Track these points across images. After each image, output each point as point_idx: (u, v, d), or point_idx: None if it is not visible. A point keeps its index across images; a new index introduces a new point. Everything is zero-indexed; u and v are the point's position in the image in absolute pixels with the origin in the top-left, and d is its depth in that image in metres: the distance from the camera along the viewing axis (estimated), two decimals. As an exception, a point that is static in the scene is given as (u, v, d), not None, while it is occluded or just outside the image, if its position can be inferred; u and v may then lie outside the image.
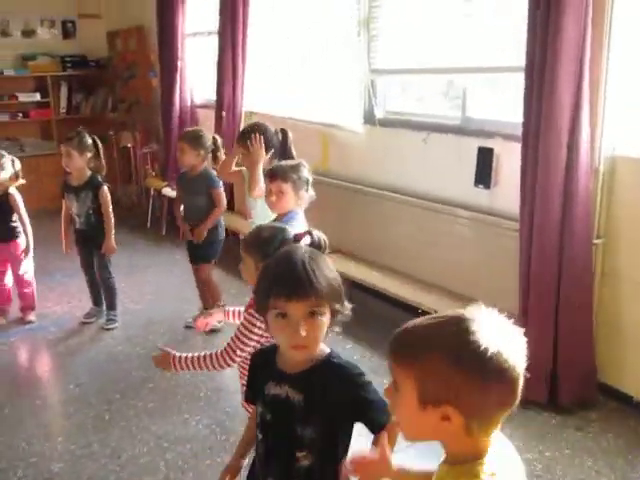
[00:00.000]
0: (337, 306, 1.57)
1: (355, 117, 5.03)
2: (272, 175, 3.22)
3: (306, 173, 3.23)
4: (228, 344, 2.28)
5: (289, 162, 3.34)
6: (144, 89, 7.86)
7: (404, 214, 4.62)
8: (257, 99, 6.15)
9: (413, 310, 4.20)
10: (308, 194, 3.26)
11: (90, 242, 4.67)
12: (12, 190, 4.71)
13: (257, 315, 2.09)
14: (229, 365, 2.30)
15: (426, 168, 4.52)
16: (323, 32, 5.26)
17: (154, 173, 7.68)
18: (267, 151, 3.83)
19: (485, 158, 4.05)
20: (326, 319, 1.56)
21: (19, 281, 4.89)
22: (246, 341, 2.24)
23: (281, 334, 1.55)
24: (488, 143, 4.04)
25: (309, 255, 1.57)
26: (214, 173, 4.42)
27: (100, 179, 4.61)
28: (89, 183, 4.56)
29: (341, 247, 5.10)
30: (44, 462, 3.23)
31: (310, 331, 1.52)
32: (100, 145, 4.67)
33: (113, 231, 4.61)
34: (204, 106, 7.07)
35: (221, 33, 6.03)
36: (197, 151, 4.40)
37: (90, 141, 4.59)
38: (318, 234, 2.47)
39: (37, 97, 8.33)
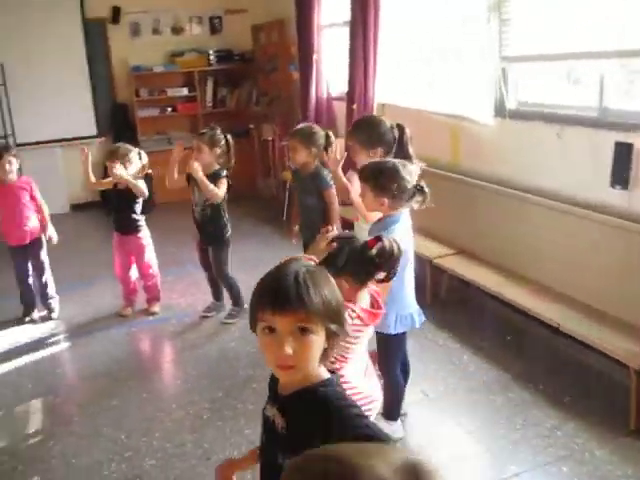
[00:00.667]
0: (333, 327, 1.38)
1: (485, 109, 4.68)
2: (359, 175, 3.06)
3: (398, 178, 2.90)
4: None
5: (381, 163, 3.07)
6: (285, 82, 7.88)
7: (532, 214, 4.23)
8: (389, 90, 5.93)
9: (535, 319, 3.84)
10: (406, 200, 2.94)
11: (204, 237, 4.69)
12: (140, 183, 4.83)
13: None
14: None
15: (558, 165, 4.10)
16: (451, 19, 4.94)
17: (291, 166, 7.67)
18: (376, 147, 3.60)
19: (623, 155, 3.58)
20: (319, 339, 1.37)
21: (143, 274, 5.03)
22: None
23: (267, 350, 1.38)
24: (628, 138, 3.57)
25: (306, 269, 1.39)
26: (326, 172, 4.22)
27: (222, 172, 4.58)
28: (211, 176, 4.55)
29: (464, 247, 4.79)
30: (137, 458, 3.26)
31: (298, 349, 1.34)
32: (231, 142, 4.61)
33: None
34: (340, 98, 6.94)
35: (352, 22, 5.87)
36: (309, 149, 4.22)
37: (222, 137, 4.58)
38: (390, 241, 2.25)
39: (185, 92, 8.62)
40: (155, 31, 8.56)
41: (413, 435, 3.31)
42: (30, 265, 5.05)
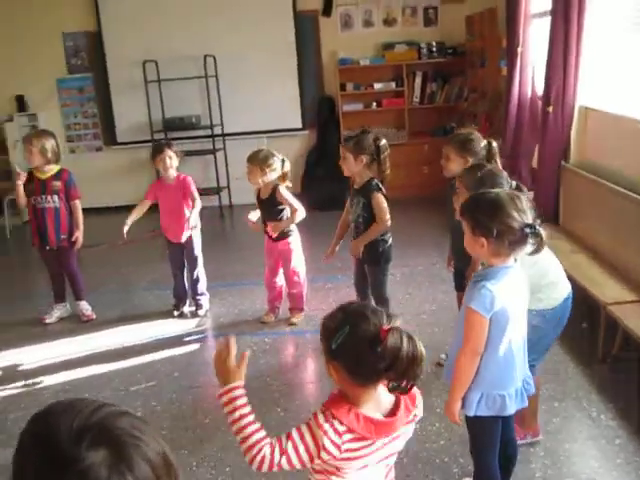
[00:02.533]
0: None
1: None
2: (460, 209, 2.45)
3: (502, 214, 2.21)
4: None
5: (482, 194, 2.39)
6: (492, 78, 7.14)
7: None
8: (594, 92, 5.02)
9: None
10: (514, 243, 2.23)
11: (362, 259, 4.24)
12: (282, 189, 4.55)
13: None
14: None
15: None
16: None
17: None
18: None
19: None
20: None
21: (288, 281, 4.76)
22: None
23: None
24: None
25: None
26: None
27: (376, 184, 4.05)
28: (363, 188, 4.11)
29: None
30: None
31: None
32: (384, 148, 4.10)
33: (369, 238, 4.04)
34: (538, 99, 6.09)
35: (553, 11, 5.04)
36: (464, 158, 3.62)
37: (370, 143, 4.08)
38: (403, 335, 1.66)
39: (392, 86, 8.22)
40: (366, 23, 8.26)
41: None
42: (185, 259, 5.05)
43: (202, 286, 5.10)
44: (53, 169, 4.99)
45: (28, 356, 4.56)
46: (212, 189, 8.32)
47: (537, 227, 2.21)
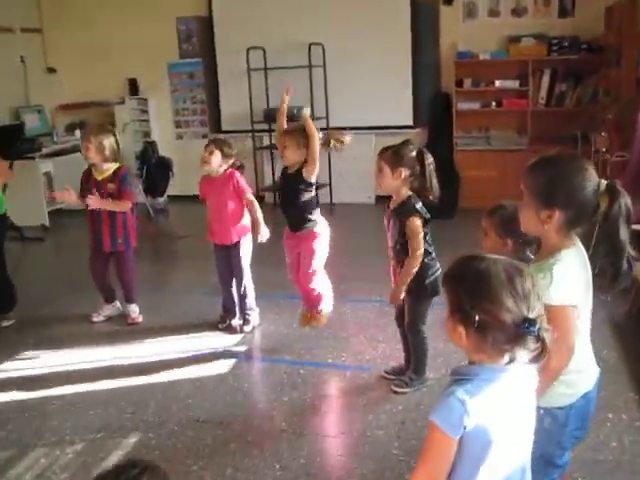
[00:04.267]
0: None
1: None
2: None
3: None
4: None
5: None
6: (627, 79, 6.11)
7: None
8: None
9: None
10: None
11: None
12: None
13: None
14: None
15: None
16: None
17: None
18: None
19: None
20: None
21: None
22: None
23: None
24: None
25: None
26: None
27: (413, 206, 3.41)
28: (400, 207, 3.48)
29: None
30: None
31: None
32: (428, 161, 3.45)
33: (407, 279, 3.44)
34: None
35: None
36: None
37: (412, 155, 3.44)
38: None
39: (515, 85, 7.33)
40: (492, 12, 7.42)
41: None
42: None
43: (250, 301, 4.64)
44: (110, 168, 4.71)
45: (63, 358, 4.34)
46: (310, 186, 7.88)
47: (539, 326, 1.52)
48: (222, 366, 4.13)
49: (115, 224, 4.70)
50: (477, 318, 1.53)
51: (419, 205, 3.38)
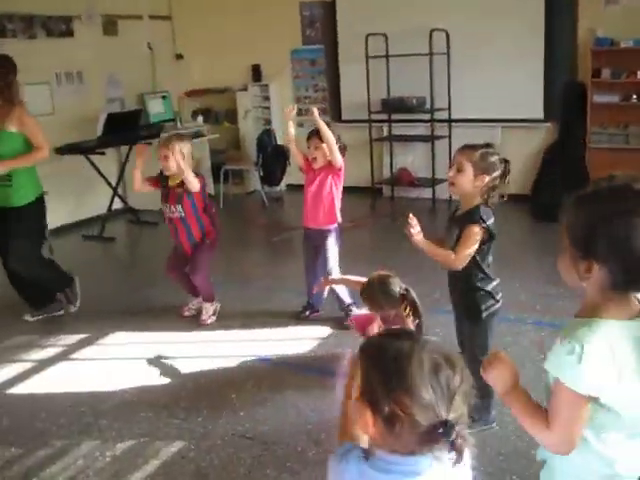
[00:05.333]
0: None
1: None
2: None
3: None
4: None
5: None
6: None
7: None
8: None
9: None
10: None
11: (454, 301, 3.22)
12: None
13: None
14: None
15: None
16: None
17: None
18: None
19: None
20: None
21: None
22: None
23: None
24: None
25: None
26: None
27: (481, 216, 2.93)
28: (465, 216, 3.05)
29: None
30: None
31: None
32: (509, 171, 3.01)
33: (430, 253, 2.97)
34: None
35: None
36: None
37: (494, 159, 3.00)
38: None
39: (665, 75, 6.49)
40: (640, -7, 6.58)
41: None
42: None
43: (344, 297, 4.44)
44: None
45: (136, 350, 4.33)
46: (426, 180, 7.45)
47: (455, 431, 1.17)
48: (281, 375, 3.91)
49: (190, 229, 4.54)
50: (386, 409, 1.20)
51: (490, 220, 2.95)
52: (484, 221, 2.90)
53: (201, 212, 4.52)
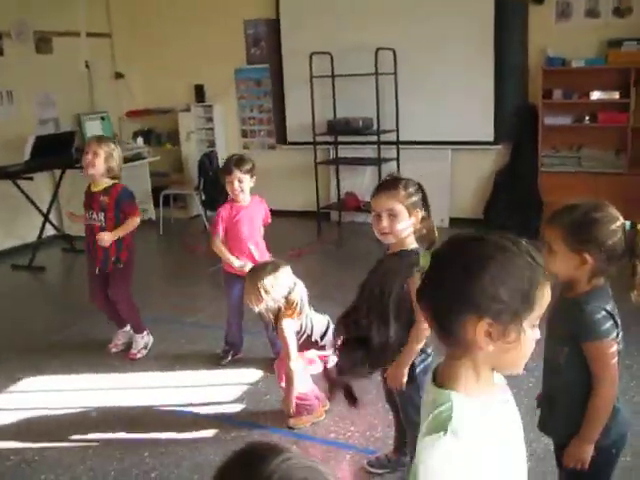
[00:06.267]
0: None
1: None
2: None
3: None
4: None
5: None
6: None
7: None
8: None
9: None
10: None
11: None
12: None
13: None
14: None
15: None
16: None
17: None
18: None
19: None
20: None
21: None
22: None
23: None
24: None
25: None
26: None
27: (409, 264, 2.59)
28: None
29: None
30: None
31: None
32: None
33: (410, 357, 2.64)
34: None
35: None
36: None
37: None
38: None
39: (615, 96, 6.29)
40: (590, 13, 6.39)
41: None
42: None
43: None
44: (108, 182, 4.22)
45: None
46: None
47: None
48: (205, 431, 3.52)
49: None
50: None
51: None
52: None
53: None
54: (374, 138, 6.97)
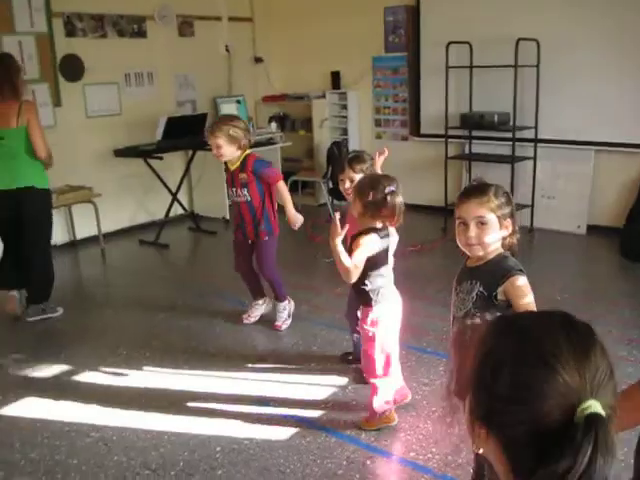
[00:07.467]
0: None
1: None
2: None
3: None
4: None
5: None
6: None
7: None
8: None
9: None
10: None
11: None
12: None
13: None
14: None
15: None
16: None
17: None
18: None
19: None
20: None
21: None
22: None
23: None
24: None
25: None
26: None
27: (511, 264, 2.38)
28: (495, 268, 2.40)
29: None
30: None
31: None
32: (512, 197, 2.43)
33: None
34: None
35: None
36: None
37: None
38: None
39: None
40: None
41: None
42: None
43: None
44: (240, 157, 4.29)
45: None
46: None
47: None
48: (282, 431, 3.41)
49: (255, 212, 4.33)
50: None
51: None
52: None
53: (267, 198, 4.34)
54: (509, 134, 6.53)
